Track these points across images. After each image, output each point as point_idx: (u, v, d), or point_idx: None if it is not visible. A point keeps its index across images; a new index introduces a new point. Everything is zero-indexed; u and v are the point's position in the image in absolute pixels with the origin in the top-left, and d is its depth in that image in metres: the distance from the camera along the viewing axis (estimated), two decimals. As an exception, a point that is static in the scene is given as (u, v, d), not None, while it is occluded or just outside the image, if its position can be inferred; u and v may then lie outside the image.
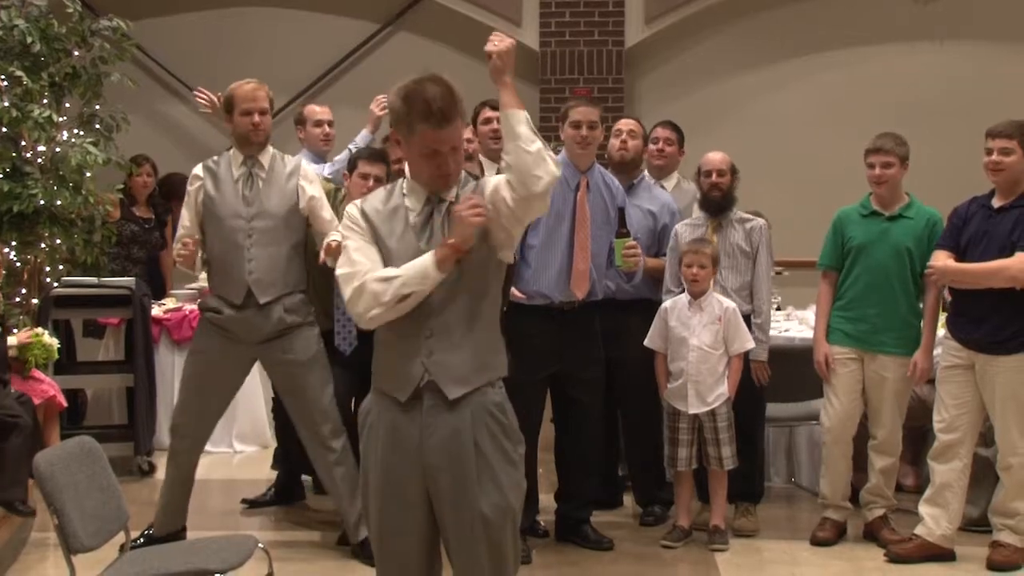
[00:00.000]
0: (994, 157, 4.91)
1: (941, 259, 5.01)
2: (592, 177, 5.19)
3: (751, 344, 5.30)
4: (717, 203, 5.50)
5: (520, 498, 3.12)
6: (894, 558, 5.11)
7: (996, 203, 4.98)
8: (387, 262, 3.06)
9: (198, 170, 5.03)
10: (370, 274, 3.02)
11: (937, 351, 5.26)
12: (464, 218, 2.97)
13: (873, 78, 8.89)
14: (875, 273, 5.25)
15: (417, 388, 3.04)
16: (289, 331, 4.95)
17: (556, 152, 5.67)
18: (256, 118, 4.92)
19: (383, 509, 3.10)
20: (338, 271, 3.12)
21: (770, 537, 5.50)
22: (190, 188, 5.00)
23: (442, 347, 3.03)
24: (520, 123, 3.00)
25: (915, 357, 5.19)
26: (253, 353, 5.02)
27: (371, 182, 5.12)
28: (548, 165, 2.98)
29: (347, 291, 3.05)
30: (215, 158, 5.07)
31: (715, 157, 5.55)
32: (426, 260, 3.00)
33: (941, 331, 5.27)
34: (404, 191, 3.14)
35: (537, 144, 2.99)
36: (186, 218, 4.99)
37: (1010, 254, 4.86)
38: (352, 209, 3.17)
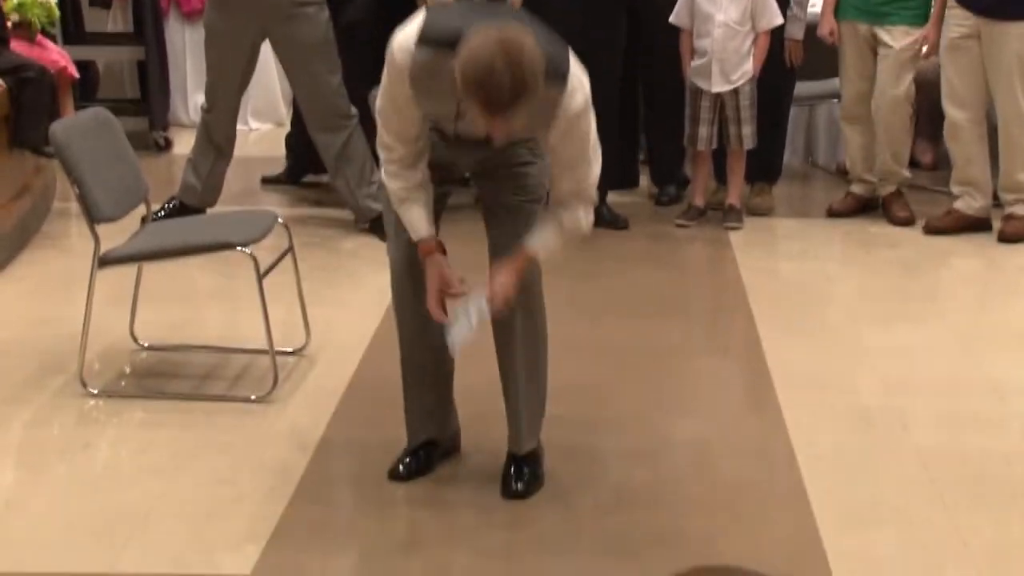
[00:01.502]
0: None
1: None
2: None
3: (779, 20, 5.14)
4: None
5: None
6: (932, 230, 5.15)
7: None
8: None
9: None
10: (391, 174, 2.88)
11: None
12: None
13: None
14: None
15: None
16: (297, 12, 4.81)
17: None
18: None
19: None
20: (377, 112, 2.87)
21: (785, 215, 5.54)
22: None
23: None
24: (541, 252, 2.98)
25: (924, 29, 5.08)
26: (262, 29, 4.90)
27: None
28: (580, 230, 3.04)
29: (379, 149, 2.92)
30: None
31: None
32: (419, 231, 2.90)
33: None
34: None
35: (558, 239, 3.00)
36: None
37: None
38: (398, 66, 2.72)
